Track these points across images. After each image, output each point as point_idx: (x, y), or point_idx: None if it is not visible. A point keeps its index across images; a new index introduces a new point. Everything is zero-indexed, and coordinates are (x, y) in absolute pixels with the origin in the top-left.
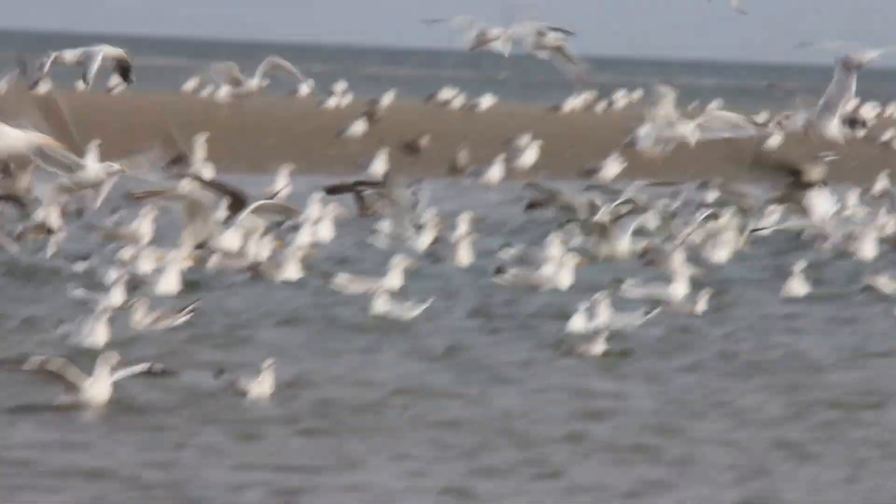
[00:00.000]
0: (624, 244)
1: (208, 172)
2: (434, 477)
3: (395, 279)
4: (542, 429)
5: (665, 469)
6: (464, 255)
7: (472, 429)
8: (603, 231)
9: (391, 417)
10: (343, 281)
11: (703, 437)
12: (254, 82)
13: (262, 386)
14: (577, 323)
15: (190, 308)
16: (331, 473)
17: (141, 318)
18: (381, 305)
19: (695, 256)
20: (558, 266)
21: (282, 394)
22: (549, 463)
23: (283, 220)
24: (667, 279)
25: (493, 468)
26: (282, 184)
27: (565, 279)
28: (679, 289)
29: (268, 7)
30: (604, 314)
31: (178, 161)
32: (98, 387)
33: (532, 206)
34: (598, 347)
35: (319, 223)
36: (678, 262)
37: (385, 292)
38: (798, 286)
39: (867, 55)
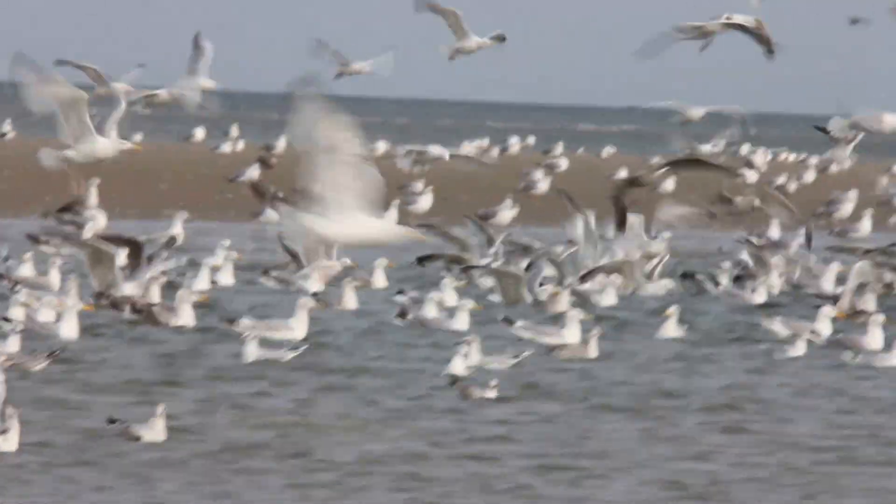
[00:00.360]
0: (529, 289)
1: (101, 218)
2: None
3: (300, 323)
4: (426, 468)
5: None
6: (350, 300)
7: (357, 469)
8: (507, 277)
9: (276, 460)
10: (246, 324)
11: (587, 475)
12: (163, 91)
13: (153, 431)
14: (456, 366)
15: (54, 353)
16: None
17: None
18: (253, 351)
19: (584, 299)
20: (456, 310)
21: (173, 438)
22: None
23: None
24: (557, 322)
25: None
26: (176, 230)
27: (462, 322)
28: (569, 331)
29: (158, 52)
30: (475, 356)
31: (70, 207)
32: (10, 439)
33: (423, 260)
34: (487, 389)
35: (219, 269)
36: (566, 304)
37: (256, 337)
38: (672, 329)
39: (696, 112)
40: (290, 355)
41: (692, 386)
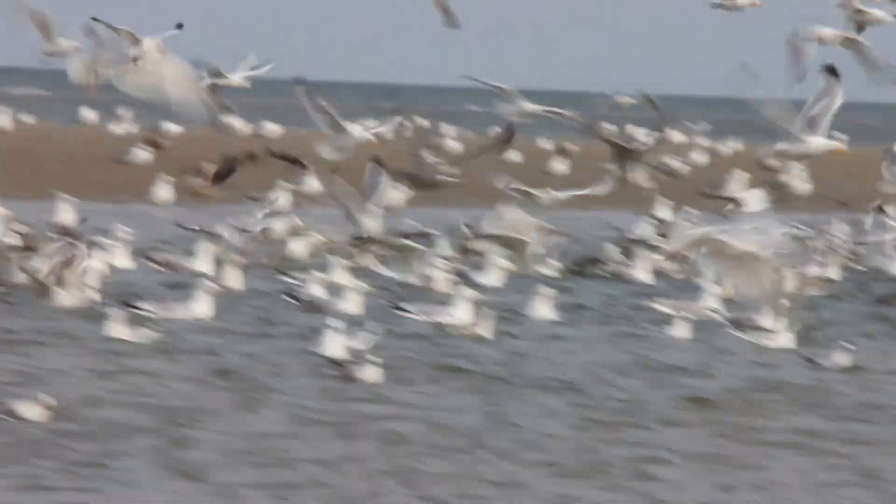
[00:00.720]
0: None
1: None
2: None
3: (202, 305)
4: (301, 449)
5: (430, 488)
6: (235, 279)
7: (234, 448)
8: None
9: (151, 440)
10: (146, 307)
11: (460, 452)
12: (66, 42)
13: (32, 409)
14: (330, 346)
15: None
16: (92, 496)
17: None
18: (116, 330)
19: (469, 280)
20: (348, 292)
21: (56, 416)
22: (296, 483)
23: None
24: (446, 302)
25: (236, 488)
26: (65, 213)
27: (354, 305)
28: (459, 311)
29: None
30: (341, 336)
31: None
32: None
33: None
34: (369, 371)
35: (115, 252)
36: (450, 285)
37: (124, 318)
38: (544, 309)
39: (530, 108)
40: (154, 336)
41: (559, 365)
